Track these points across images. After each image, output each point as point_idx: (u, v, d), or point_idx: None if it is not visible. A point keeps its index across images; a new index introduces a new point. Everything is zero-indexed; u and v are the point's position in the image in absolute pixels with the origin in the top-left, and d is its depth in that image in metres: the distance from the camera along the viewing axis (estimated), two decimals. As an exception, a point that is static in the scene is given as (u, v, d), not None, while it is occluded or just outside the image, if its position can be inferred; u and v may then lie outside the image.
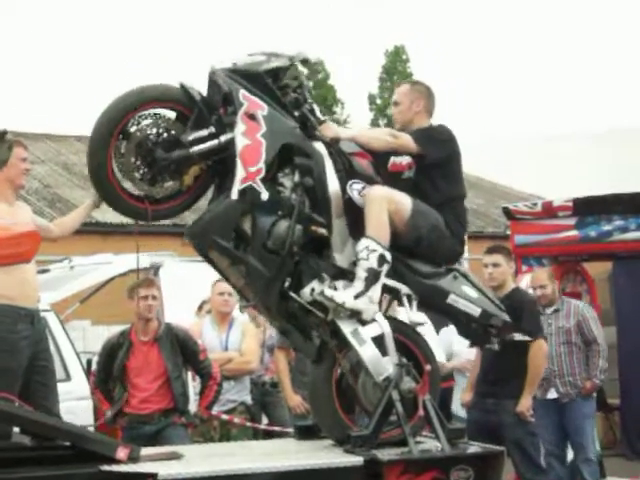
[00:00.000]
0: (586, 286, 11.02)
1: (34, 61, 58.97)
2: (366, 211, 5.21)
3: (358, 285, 5.16)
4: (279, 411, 8.81)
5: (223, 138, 5.14)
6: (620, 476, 9.41)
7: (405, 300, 5.34)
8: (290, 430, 7.48)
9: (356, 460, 4.97)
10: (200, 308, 9.42)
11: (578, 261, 11.09)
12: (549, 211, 10.57)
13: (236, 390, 8.31)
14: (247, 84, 5.19)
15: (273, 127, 5.16)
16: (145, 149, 5.16)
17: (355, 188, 5.33)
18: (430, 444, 5.27)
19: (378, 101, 36.21)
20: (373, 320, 5.22)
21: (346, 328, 5.20)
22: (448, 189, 5.51)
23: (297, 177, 5.26)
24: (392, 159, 5.64)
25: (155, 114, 5.19)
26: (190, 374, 7.84)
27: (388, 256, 5.18)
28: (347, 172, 5.35)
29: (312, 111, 5.34)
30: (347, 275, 5.24)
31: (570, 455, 8.49)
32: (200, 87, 5.26)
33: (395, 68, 36.15)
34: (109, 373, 7.44)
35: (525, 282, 9.67)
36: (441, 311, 5.55)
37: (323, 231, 5.25)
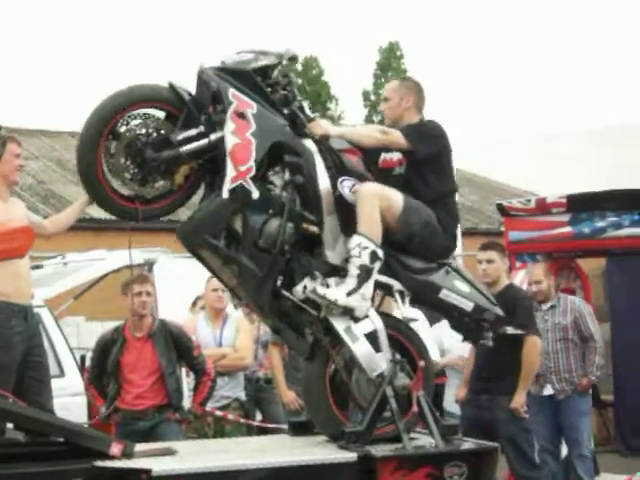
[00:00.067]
0: (580, 282, 11.04)
1: (29, 57, 58.97)
2: (358, 208, 5.21)
3: (350, 282, 5.16)
4: (273, 407, 8.81)
5: (213, 137, 5.13)
6: (614, 472, 9.44)
7: (397, 296, 5.34)
8: (284, 426, 7.48)
9: (350, 456, 4.97)
10: (194, 304, 9.42)
11: (572, 257, 11.10)
12: (543, 208, 10.58)
13: (230, 386, 8.31)
14: (236, 82, 5.18)
15: (263, 125, 5.15)
16: (135, 149, 5.13)
17: (346, 185, 5.33)
18: (424, 440, 5.28)
19: (372, 97, 36.20)
20: (366, 317, 5.23)
21: (339, 325, 5.20)
22: (439, 185, 5.51)
23: (287, 175, 5.25)
24: (383, 155, 5.64)
25: (144, 114, 5.17)
26: (184, 370, 7.83)
27: (380, 253, 5.18)
28: (337, 169, 5.34)
29: (301, 108, 5.33)
30: (339, 272, 5.24)
31: (564, 452, 8.50)
32: (192, 86, 5.25)
33: (389, 64, 36.15)
34: (103, 369, 7.43)
35: (519, 278, 9.69)
36: (434, 306, 5.56)
37: (314, 229, 5.24)
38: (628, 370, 11.50)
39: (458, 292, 5.39)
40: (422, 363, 5.40)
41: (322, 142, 5.28)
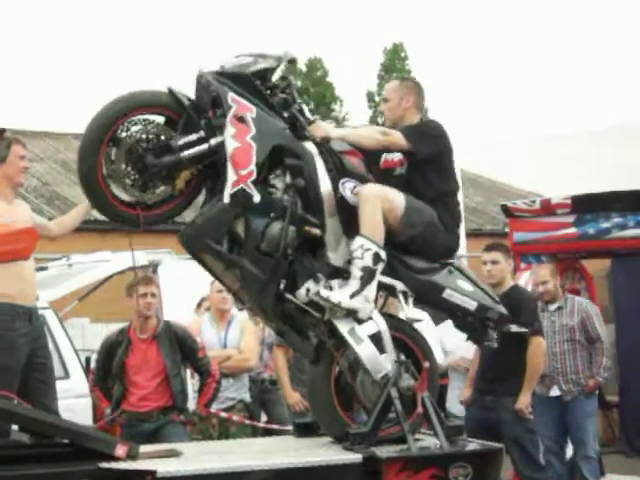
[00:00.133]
0: (585, 283, 11.04)
1: (33, 59, 59.02)
2: (360, 210, 5.21)
3: (354, 284, 5.16)
4: (278, 409, 8.81)
5: (213, 142, 5.11)
6: (619, 473, 9.44)
7: (401, 297, 5.34)
8: (289, 427, 7.49)
9: (355, 457, 4.97)
10: (199, 305, 9.43)
11: (577, 258, 11.10)
12: (548, 209, 10.58)
13: (235, 388, 8.31)
14: (235, 86, 5.17)
15: (262, 129, 5.14)
16: (135, 155, 5.11)
17: (347, 187, 5.32)
18: (429, 441, 5.28)
19: (377, 98, 36.19)
20: (369, 318, 5.23)
21: (343, 327, 5.20)
22: (441, 184, 5.51)
23: (288, 178, 5.24)
24: (384, 156, 5.64)
25: (144, 120, 5.15)
26: (189, 372, 7.84)
27: (383, 254, 5.18)
28: (338, 171, 5.34)
29: (301, 111, 5.31)
30: (342, 274, 5.24)
31: (569, 453, 8.49)
32: (192, 90, 5.24)
33: (394, 66, 36.18)
34: (108, 371, 7.44)
35: (524, 279, 9.69)
36: (437, 306, 5.56)
37: (317, 231, 5.23)
38: (633, 371, 11.49)
39: (461, 291, 5.38)
40: (427, 364, 5.40)
41: (322, 144, 5.27)
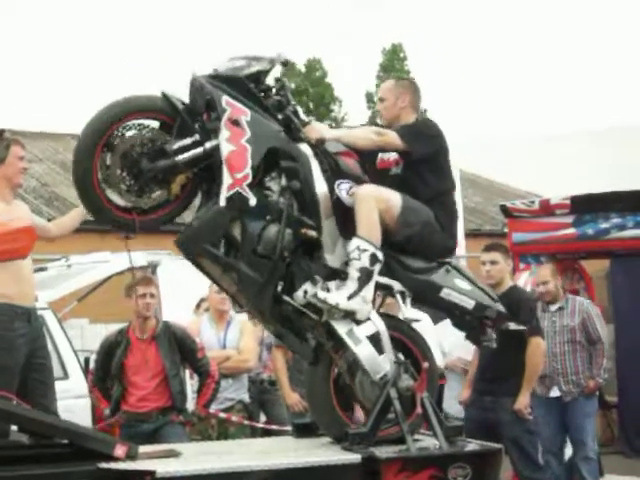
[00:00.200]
0: (584, 284, 11.03)
1: (33, 60, 58.93)
2: (356, 211, 5.20)
3: (351, 285, 5.16)
4: (277, 409, 8.81)
5: (208, 145, 5.09)
6: (618, 473, 9.44)
7: (399, 297, 5.34)
8: (288, 428, 7.49)
9: (354, 458, 4.97)
10: (198, 306, 9.43)
11: (576, 259, 11.10)
12: (547, 209, 10.59)
13: (234, 388, 8.31)
14: (229, 90, 5.16)
15: (257, 132, 5.13)
16: (130, 160, 5.08)
17: (343, 188, 5.32)
18: (428, 442, 5.28)
19: (376, 99, 36.12)
20: (368, 319, 5.23)
21: (341, 328, 5.20)
22: (437, 184, 5.50)
23: (284, 181, 5.23)
24: (380, 156, 5.64)
25: (139, 124, 5.13)
26: (188, 372, 7.84)
27: (380, 255, 5.17)
28: (334, 172, 5.33)
29: (295, 113, 5.30)
30: (339, 275, 5.24)
31: (567, 454, 8.50)
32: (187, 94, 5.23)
33: (393, 66, 36.15)
34: (107, 371, 7.45)
35: (523, 280, 9.69)
36: (435, 305, 5.57)
37: (313, 233, 5.23)
38: (632, 371, 11.48)
39: (459, 290, 5.38)
40: (426, 364, 5.39)
41: (317, 146, 5.27)
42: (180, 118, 5.14)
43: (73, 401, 8.38)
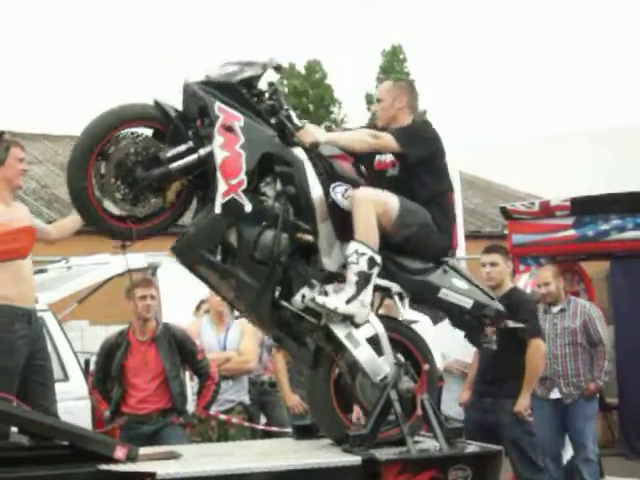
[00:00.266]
0: (584, 285, 11.01)
1: (32, 61, 58.90)
2: (353, 214, 5.20)
3: (349, 289, 5.15)
4: (277, 411, 8.81)
5: (202, 152, 5.08)
6: (618, 475, 9.43)
7: (397, 298, 5.34)
8: (288, 430, 7.49)
9: (354, 459, 4.98)
10: (198, 308, 9.42)
11: (576, 260, 11.08)
12: (546, 211, 10.57)
13: (234, 390, 8.32)
14: (222, 96, 5.14)
15: (251, 137, 5.12)
16: (125, 169, 5.07)
17: (338, 191, 5.31)
18: (428, 443, 5.28)
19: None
20: (366, 322, 5.22)
21: (340, 332, 5.20)
22: (434, 185, 5.50)
23: (279, 186, 5.22)
24: (377, 157, 5.63)
25: (132, 133, 5.12)
26: (188, 374, 7.84)
27: (378, 259, 5.17)
28: (329, 175, 5.32)
29: (289, 117, 5.29)
30: (337, 278, 5.24)
31: (566, 456, 8.49)
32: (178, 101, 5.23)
33: (392, 68, 36.13)
34: (107, 373, 7.45)
35: (523, 282, 9.68)
36: (434, 306, 5.59)
37: (309, 237, 5.23)
38: (632, 373, 11.48)
39: (457, 290, 5.38)
40: (426, 366, 5.39)
41: (312, 149, 5.26)
42: (173, 125, 5.12)
43: (73, 403, 8.37)
